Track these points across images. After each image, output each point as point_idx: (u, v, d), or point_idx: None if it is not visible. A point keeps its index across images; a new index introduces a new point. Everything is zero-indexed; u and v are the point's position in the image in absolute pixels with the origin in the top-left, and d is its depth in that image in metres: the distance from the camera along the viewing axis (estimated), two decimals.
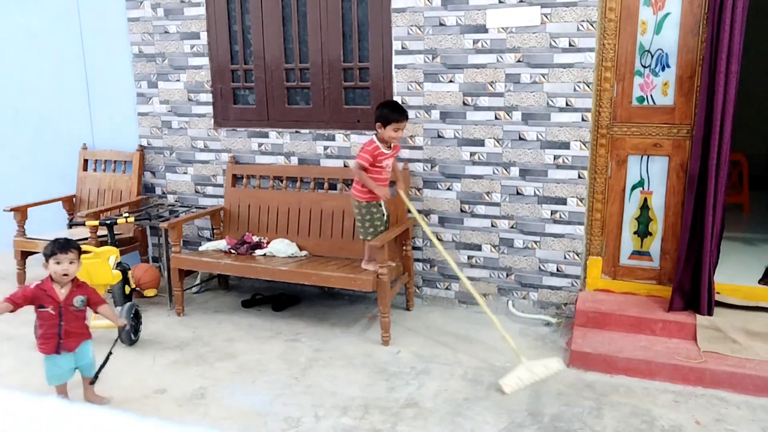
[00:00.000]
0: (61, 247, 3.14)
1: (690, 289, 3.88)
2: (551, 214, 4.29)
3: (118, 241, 4.85)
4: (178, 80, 5.17)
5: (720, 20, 3.57)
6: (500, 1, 4.14)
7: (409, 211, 4.31)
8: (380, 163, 4.02)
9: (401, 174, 4.30)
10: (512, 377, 3.44)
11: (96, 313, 3.37)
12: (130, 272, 4.52)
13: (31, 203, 5.16)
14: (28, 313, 4.59)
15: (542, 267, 4.38)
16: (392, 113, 3.98)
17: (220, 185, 5.19)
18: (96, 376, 3.35)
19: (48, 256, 3.14)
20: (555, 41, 4.07)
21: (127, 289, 4.46)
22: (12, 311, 3.12)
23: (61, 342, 3.16)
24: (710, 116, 3.67)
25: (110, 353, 3.39)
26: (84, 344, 3.28)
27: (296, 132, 4.88)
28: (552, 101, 4.15)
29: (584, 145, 4.13)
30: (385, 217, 4.18)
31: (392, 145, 4.09)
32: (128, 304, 4.13)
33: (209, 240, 5.14)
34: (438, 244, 4.11)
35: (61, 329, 3.15)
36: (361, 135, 4.67)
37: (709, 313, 3.80)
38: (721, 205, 3.77)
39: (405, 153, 4.55)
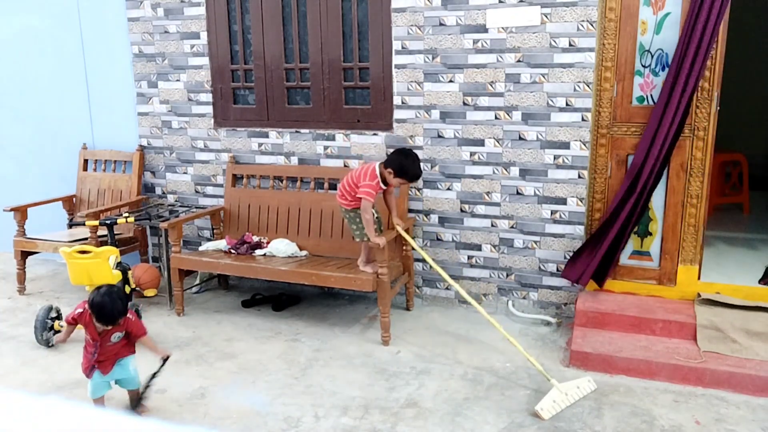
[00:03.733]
0: (104, 320, 3.04)
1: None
2: (551, 214, 4.29)
3: (118, 241, 4.85)
4: (178, 80, 5.17)
5: (696, 18, 3.61)
6: (500, 1, 4.14)
7: (406, 242, 4.32)
8: (376, 194, 4.03)
9: (396, 207, 4.21)
10: (548, 401, 3.24)
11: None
12: (130, 272, 4.51)
13: (31, 203, 5.15)
14: (27, 312, 4.62)
15: (542, 267, 4.38)
16: (409, 172, 3.93)
17: (220, 185, 5.19)
18: (140, 400, 3.25)
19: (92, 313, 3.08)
20: (555, 41, 4.07)
21: (127, 289, 4.45)
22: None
23: (94, 366, 3.14)
24: (664, 110, 3.77)
25: (151, 382, 3.22)
26: (123, 360, 3.19)
27: (296, 132, 4.88)
28: (552, 101, 4.15)
29: (584, 145, 4.13)
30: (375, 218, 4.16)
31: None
32: (128, 304, 4.13)
33: (209, 240, 5.14)
34: (434, 265, 4.05)
35: (94, 357, 3.12)
36: (361, 135, 4.67)
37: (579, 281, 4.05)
38: (645, 197, 3.91)
39: None
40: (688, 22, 3.68)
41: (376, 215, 4.13)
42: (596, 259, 3.96)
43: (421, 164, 4.16)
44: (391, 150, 4.54)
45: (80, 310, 3.17)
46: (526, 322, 4.37)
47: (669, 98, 3.76)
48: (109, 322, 3.05)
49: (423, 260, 4.68)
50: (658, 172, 3.86)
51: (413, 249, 4.24)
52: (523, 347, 3.79)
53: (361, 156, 4.70)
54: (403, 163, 3.93)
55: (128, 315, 3.15)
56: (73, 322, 3.21)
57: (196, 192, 5.31)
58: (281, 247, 4.62)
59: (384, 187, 4.02)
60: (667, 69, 3.95)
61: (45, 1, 5.50)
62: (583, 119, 4.10)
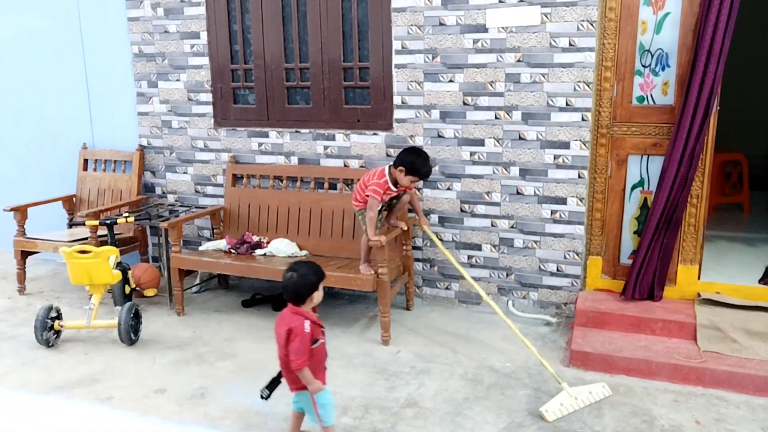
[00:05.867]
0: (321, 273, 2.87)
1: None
2: (551, 213, 4.29)
3: (118, 240, 4.85)
4: (178, 80, 5.17)
5: (706, 20, 3.60)
6: (500, 1, 4.14)
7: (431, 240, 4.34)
8: (385, 196, 4.02)
9: (420, 209, 4.27)
10: (554, 404, 3.21)
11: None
12: (130, 272, 4.52)
13: (31, 203, 5.15)
14: (27, 312, 4.62)
15: (542, 267, 4.38)
16: (421, 169, 3.91)
17: (220, 185, 5.19)
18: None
19: (320, 281, 2.83)
20: (555, 41, 4.07)
21: (127, 289, 4.46)
22: None
23: (325, 368, 2.87)
24: (681, 114, 3.76)
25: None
26: None
27: (296, 132, 4.88)
28: (552, 101, 4.15)
29: (584, 144, 4.13)
30: (381, 216, 4.16)
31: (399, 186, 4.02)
32: (128, 304, 4.13)
33: (209, 240, 5.14)
34: (458, 265, 4.04)
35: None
36: (361, 135, 4.67)
37: (627, 295, 4.05)
38: (673, 202, 3.87)
39: None
40: (702, 22, 3.67)
41: (381, 216, 4.13)
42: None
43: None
44: (392, 150, 4.55)
45: (308, 322, 2.73)
46: (526, 321, 4.37)
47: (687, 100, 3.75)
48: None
49: (423, 260, 4.68)
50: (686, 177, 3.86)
51: (428, 247, 4.23)
52: (521, 347, 3.79)
53: (361, 156, 4.70)
54: (415, 161, 3.92)
55: None
56: (309, 349, 2.74)
57: (196, 192, 5.31)
58: (281, 247, 4.62)
59: (395, 189, 4.01)
60: (667, 68, 3.96)
61: (45, 1, 5.50)
62: (583, 119, 4.10)
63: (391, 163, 4.02)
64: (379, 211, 4.11)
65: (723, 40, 3.64)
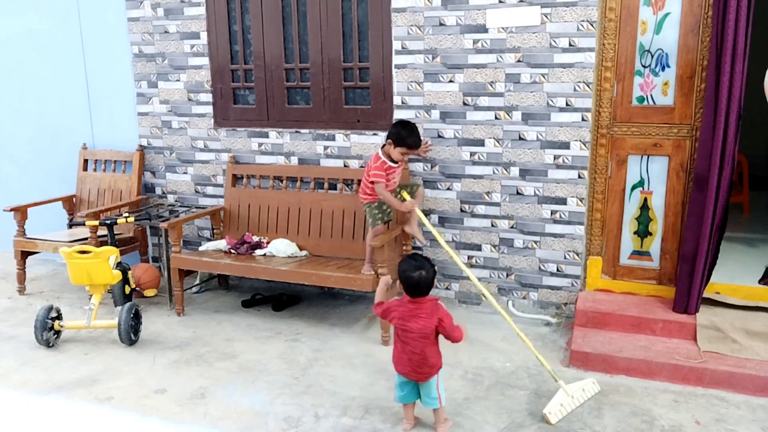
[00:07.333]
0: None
1: (688, 288, 3.87)
2: (551, 214, 4.29)
3: (118, 241, 4.85)
4: (178, 80, 5.17)
5: (725, 20, 3.58)
6: (500, 1, 4.14)
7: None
8: (389, 176, 4.02)
9: (419, 192, 4.20)
10: (555, 405, 3.18)
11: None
12: (130, 272, 4.52)
13: (31, 203, 5.15)
14: (27, 312, 4.62)
15: (542, 267, 4.38)
16: (407, 139, 3.91)
17: (220, 185, 5.19)
18: None
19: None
20: (555, 41, 4.07)
21: (127, 289, 4.47)
22: None
23: None
24: (714, 117, 3.68)
25: None
26: None
27: (296, 132, 4.88)
28: (552, 101, 4.15)
29: (584, 145, 4.13)
30: (387, 208, 4.15)
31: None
32: (128, 304, 4.13)
33: (209, 240, 5.14)
34: (467, 270, 4.01)
35: None
36: (361, 135, 4.67)
37: (690, 311, 3.85)
38: (723, 206, 3.76)
39: None
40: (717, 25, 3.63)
41: (386, 208, 4.12)
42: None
43: (424, 157, 4.14)
44: None
45: (442, 303, 3.01)
46: (526, 322, 4.36)
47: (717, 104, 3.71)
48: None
49: None
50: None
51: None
52: (520, 347, 3.78)
53: (361, 156, 4.70)
54: (399, 132, 3.93)
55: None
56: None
57: (196, 192, 5.31)
58: (281, 247, 4.62)
59: (394, 165, 3.99)
60: (667, 69, 3.96)
61: (45, 1, 5.50)
62: (583, 119, 4.11)
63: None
64: (383, 206, 4.11)
65: (746, 38, 3.60)
